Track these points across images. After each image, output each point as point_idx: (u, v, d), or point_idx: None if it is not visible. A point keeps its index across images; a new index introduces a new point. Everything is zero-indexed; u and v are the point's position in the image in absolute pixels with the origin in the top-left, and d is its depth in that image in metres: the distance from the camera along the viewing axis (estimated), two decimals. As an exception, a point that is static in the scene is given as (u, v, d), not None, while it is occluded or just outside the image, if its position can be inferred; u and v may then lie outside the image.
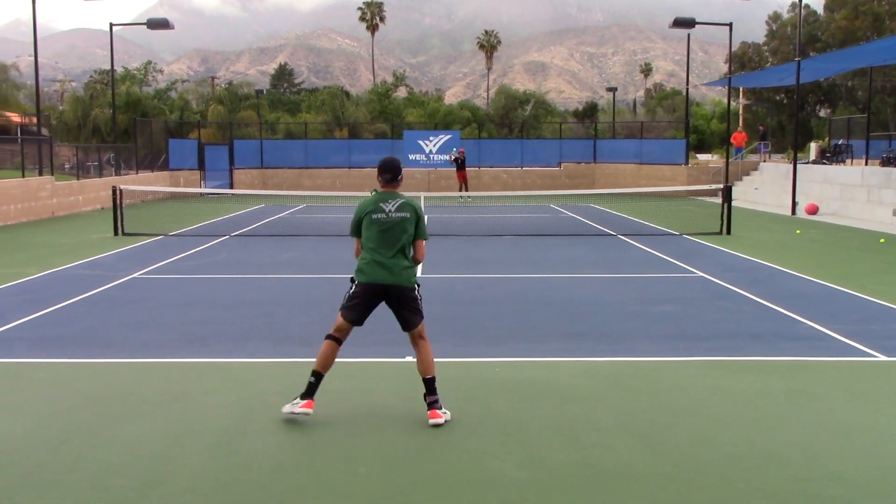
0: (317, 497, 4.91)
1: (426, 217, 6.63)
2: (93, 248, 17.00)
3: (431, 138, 41.21)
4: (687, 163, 39.11)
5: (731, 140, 37.34)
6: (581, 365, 7.92)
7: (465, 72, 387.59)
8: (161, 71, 74.46)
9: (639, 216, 25.31)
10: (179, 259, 15.61)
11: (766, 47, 66.05)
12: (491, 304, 11.17)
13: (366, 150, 43.09)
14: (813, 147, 36.50)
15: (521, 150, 42.06)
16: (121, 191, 20.32)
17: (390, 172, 6.38)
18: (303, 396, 6.23)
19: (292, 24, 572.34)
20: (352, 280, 6.41)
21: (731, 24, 33.00)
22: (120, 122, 44.34)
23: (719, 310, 10.70)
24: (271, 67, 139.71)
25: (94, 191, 29.34)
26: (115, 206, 19.82)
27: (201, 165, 38.87)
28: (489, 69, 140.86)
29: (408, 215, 6.30)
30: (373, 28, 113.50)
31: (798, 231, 21.07)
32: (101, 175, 33.41)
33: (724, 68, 55.57)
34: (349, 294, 6.39)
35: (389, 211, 6.26)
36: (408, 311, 6.35)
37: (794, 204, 26.44)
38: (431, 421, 6.14)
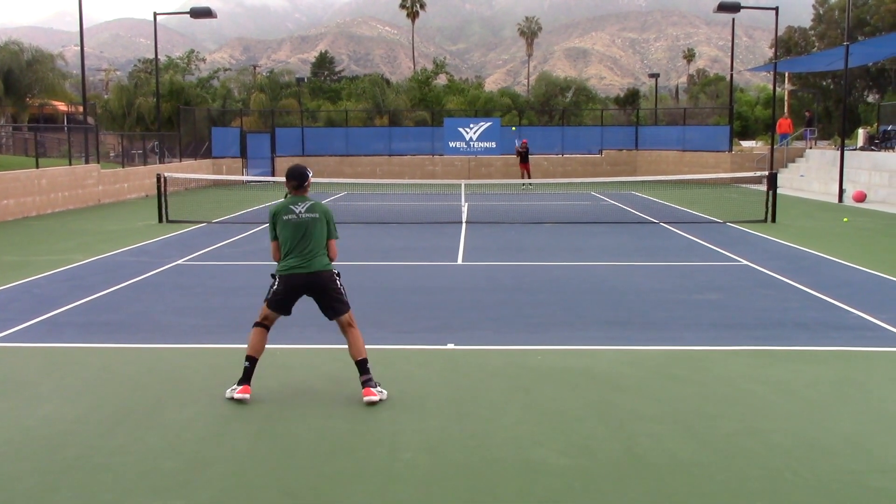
0: (360, 482, 4.94)
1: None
2: (138, 235, 17.25)
3: (472, 126, 41.08)
4: (731, 149, 38.57)
5: (777, 128, 36.73)
6: (625, 353, 7.87)
7: (506, 59, 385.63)
8: (203, 60, 75.13)
9: (681, 204, 25.04)
10: (223, 246, 15.78)
11: (812, 31, 64.77)
12: (533, 291, 11.14)
13: (406, 137, 43.11)
14: (861, 133, 35.77)
15: (562, 138, 41.75)
16: (165, 178, 20.57)
17: (296, 179, 6.76)
18: (240, 381, 6.56)
19: (333, 12, 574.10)
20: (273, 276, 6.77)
21: (776, 9, 32.42)
22: (164, 111, 44.81)
23: (765, 298, 10.56)
24: (312, 56, 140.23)
25: (139, 178, 29.75)
26: (160, 194, 20.07)
27: (243, 153, 39.17)
28: (530, 56, 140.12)
29: (317, 216, 6.71)
30: (413, 15, 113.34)
31: (845, 219, 20.70)
32: (145, 163, 33.84)
33: (769, 53, 54.80)
34: (272, 289, 6.72)
35: (300, 213, 6.67)
36: (331, 300, 6.72)
37: (842, 191, 25.96)
38: (366, 399, 6.42)
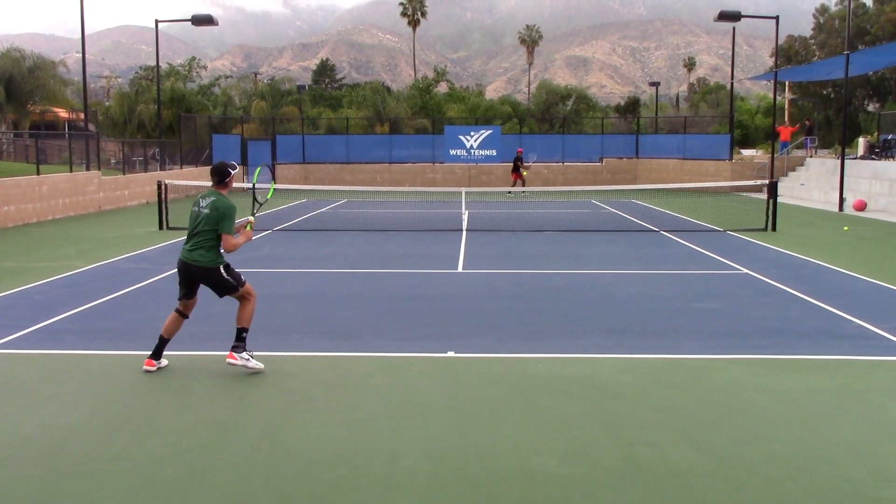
0: (360, 490, 4.93)
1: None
2: (139, 242, 17.25)
3: (472, 133, 41.11)
4: (731, 158, 38.62)
5: (777, 130, 36.69)
6: (624, 361, 7.86)
7: (507, 67, 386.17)
8: (205, 67, 75.23)
9: (682, 212, 25.05)
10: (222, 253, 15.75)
11: (813, 41, 64.95)
12: (532, 299, 11.13)
13: (407, 145, 43.13)
14: (861, 142, 35.80)
15: (563, 146, 41.76)
16: (166, 185, 20.58)
17: (216, 175, 7.53)
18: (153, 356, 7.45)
19: (334, 19, 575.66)
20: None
21: (777, 18, 32.52)
22: (165, 118, 44.79)
23: (765, 307, 10.55)
24: (313, 63, 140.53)
25: (140, 185, 29.77)
26: (160, 201, 20.08)
27: (244, 160, 39.17)
28: (530, 64, 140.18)
29: (209, 212, 7.32)
30: (414, 23, 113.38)
31: (846, 228, 20.70)
32: (146, 170, 33.88)
33: (770, 62, 54.75)
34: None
35: (201, 207, 7.39)
36: (214, 287, 7.51)
37: (842, 200, 25.96)
38: (228, 361, 7.31)
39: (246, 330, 7.41)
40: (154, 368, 7.37)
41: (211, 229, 7.31)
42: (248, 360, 7.33)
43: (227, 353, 7.38)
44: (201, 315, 10.14)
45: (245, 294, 7.50)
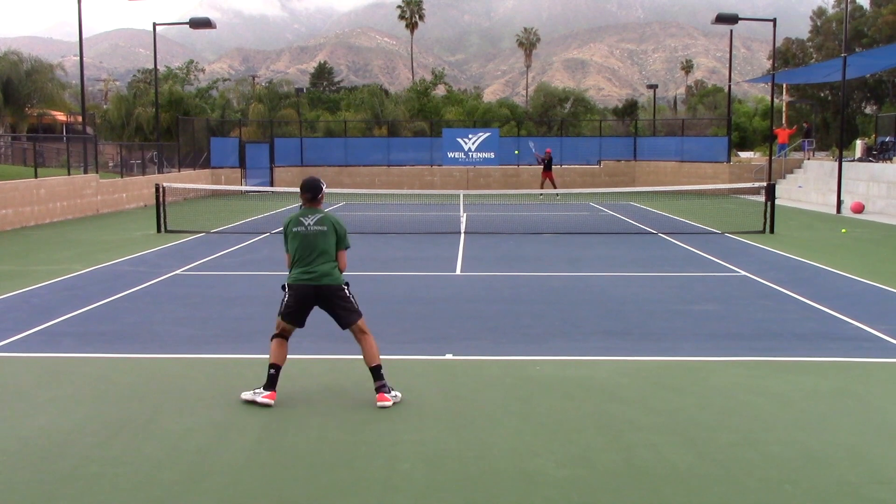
0: (358, 493, 4.93)
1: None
2: (136, 245, 17.24)
3: (470, 136, 41.13)
4: (729, 160, 38.64)
5: (775, 132, 36.71)
6: (623, 364, 7.86)
7: (504, 69, 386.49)
8: (203, 70, 75.08)
9: (680, 214, 25.06)
10: (221, 256, 15.77)
11: (810, 43, 64.95)
12: (531, 302, 11.13)
13: (405, 148, 43.15)
14: (859, 144, 35.83)
15: (561, 148, 41.71)
16: (164, 188, 20.56)
17: (310, 192, 6.90)
18: (265, 387, 6.69)
19: (332, 23, 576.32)
20: (283, 288, 6.87)
21: (774, 20, 32.54)
22: (163, 121, 44.78)
23: (763, 309, 10.56)
24: (311, 66, 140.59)
25: (138, 188, 29.75)
26: (158, 204, 20.07)
27: (242, 163, 39.16)
28: (528, 67, 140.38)
29: (325, 228, 6.77)
30: (412, 26, 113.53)
31: (844, 230, 20.71)
32: (144, 173, 33.86)
33: (767, 65, 54.79)
34: (284, 301, 6.81)
35: (308, 225, 6.77)
36: (340, 310, 6.79)
37: (840, 202, 25.99)
38: (379, 404, 6.57)
39: (381, 366, 6.73)
40: (273, 402, 6.64)
41: (332, 247, 6.77)
42: (397, 394, 6.71)
43: (377, 395, 6.62)
44: (200, 318, 10.16)
45: (364, 327, 6.80)
